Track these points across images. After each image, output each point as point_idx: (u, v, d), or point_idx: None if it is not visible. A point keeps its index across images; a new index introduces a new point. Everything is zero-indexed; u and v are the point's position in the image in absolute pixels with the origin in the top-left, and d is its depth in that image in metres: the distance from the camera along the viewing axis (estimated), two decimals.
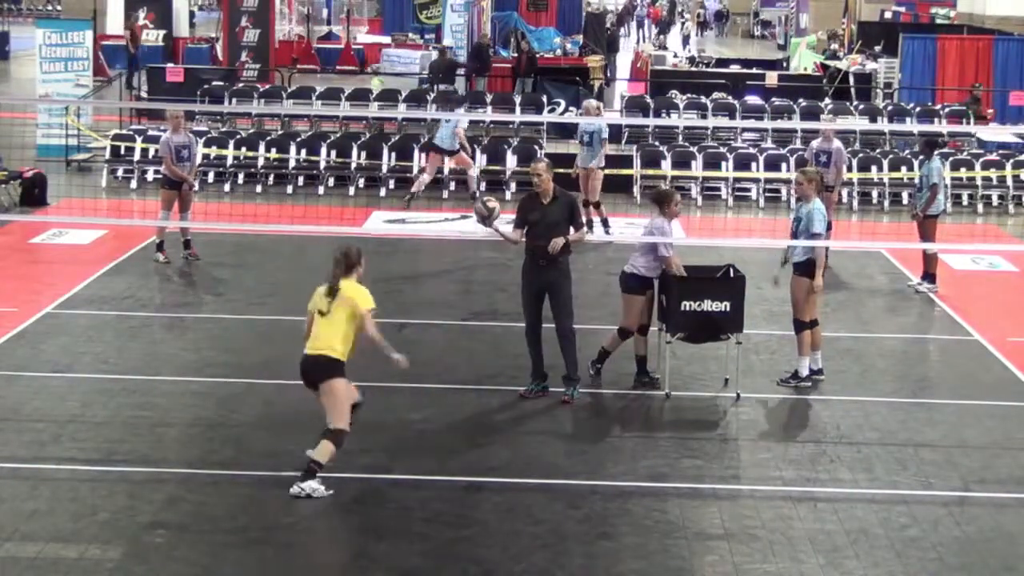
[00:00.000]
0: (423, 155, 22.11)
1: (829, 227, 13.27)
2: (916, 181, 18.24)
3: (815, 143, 18.50)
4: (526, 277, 12.22)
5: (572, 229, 12.08)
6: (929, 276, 16.75)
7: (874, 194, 22.90)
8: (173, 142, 16.92)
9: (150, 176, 22.35)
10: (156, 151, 17.00)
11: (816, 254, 12.65)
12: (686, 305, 12.19)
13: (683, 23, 63.79)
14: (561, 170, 21.94)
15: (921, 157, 17.67)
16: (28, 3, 59.64)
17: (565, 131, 25.41)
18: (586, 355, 13.01)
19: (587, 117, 19.44)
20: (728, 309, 12.25)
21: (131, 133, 23.24)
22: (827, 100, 27.24)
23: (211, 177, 22.56)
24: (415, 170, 22.48)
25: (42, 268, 16.98)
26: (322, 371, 9.91)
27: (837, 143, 18.29)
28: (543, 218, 12.04)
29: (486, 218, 12.21)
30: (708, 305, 12.20)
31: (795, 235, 12.81)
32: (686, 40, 55.35)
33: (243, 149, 22.79)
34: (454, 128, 20.85)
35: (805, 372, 12.73)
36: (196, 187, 17.99)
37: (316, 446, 9.85)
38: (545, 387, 12.23)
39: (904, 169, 22.83)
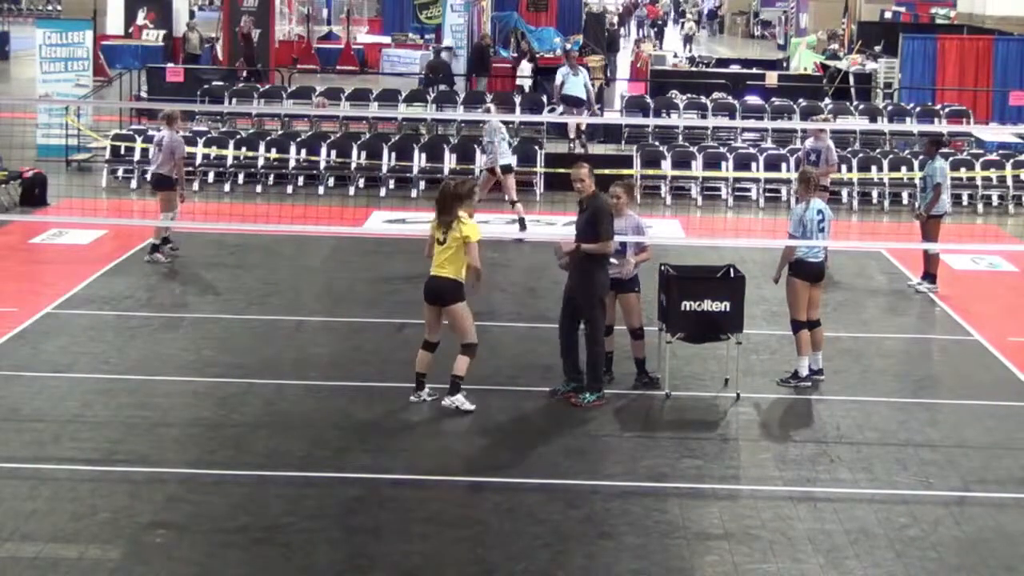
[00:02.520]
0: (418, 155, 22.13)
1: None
2: (917, 181, 18.24)
3: (808, 142, 18.54)
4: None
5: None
6: (929, 276, 16.77)
7: (874, 194, 22.90)
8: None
9: (150, 176, 22.35)
10: (172, 151, 16.92)
11: (783, 252, 12.79)
12: (686, 305, 12.18)
13: (682, 23, 63.61)
14: (562, 170, 22.37)
15: (924, 157, 17.66)
16: (28, 3, 59.63)
17: (565, 131, 25.46)
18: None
19: (488, 118, 19.57)
20: (728, 309, 12.24)
21: (131, 133, 23.26)
22: (827, 100, 27.23)
23: (211, 177, 22.58)
24: (415, 169, 22.49)
25: (42, 268, 16.98)
26: (447, 293, 11.59)
27: (827, 142, 18.30)
28: (576, 223, 12.16)
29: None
30: (708, 305, 12.20)
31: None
32: (687, 40, 55.03)
33: (243, 149, 22.79)
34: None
35: (805, 372, 12.73)
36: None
37: (454, 364, 11.53)
38: (575, 388, 12.17)
39: (904, 169, 22.84)
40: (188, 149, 22.67)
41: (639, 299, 12.53)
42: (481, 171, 19.72)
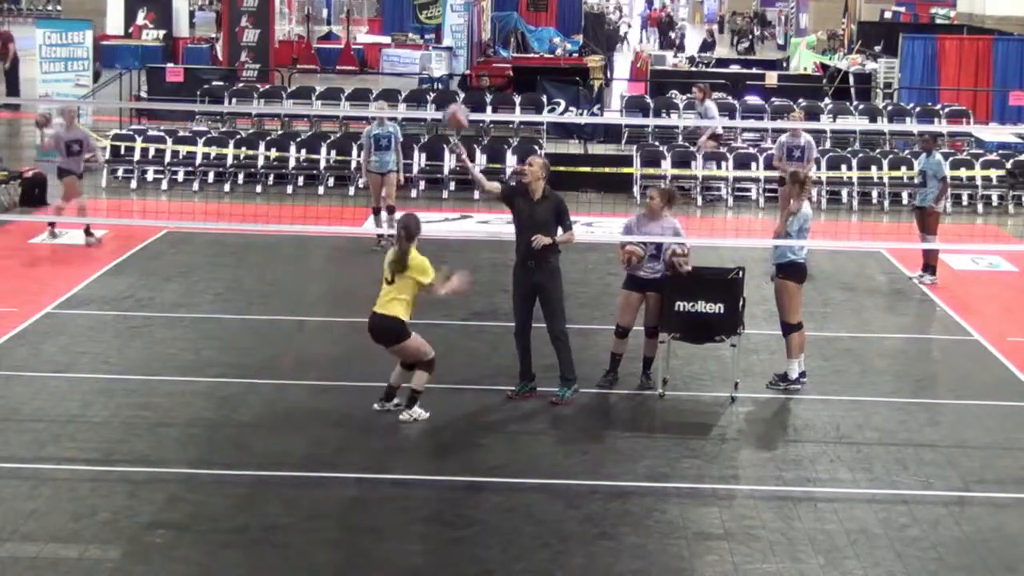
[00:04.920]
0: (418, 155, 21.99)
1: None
2: (916, 177, 18.23)
3: (783, 138, 18.52)
4: (516, 278, 12.19)
5: (561, 230, 12.06)
6: (930, 268, 16.83)
7: (874, 194, 22.90)
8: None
9: (150, 176, 22.43)
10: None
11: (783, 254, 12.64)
12: (680, 305, 12.14)
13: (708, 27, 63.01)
14: (562, 168, 22.38)
15: (922, 154, 17.66)
16: (28, 3, 59.61)
17: (565, 131, 25.51)
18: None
19: (383, 114, 18.89)
20: (722, 311, 12.16)
21: (131, 133, 23.26)
22: (827, 100, 27.24)
23: (211, 177, 22.60)
24: (415, 169, 22.46)
25: (42, 268, 16.99)
26: (388, 334, 11.42)
27: (807, 137, 18.36)
28: (531, 216, 11.97)
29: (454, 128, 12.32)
30: (702, 306, 12.14)
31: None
32: (707, 46, 53.33)
33: (243, 149, 22.81)
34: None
35: (795, 375, 12.64)
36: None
37: (411, 379, 11.44)
38: (532, 388, 12.18)
39: (904, 168, 22.84)
40: (188, 149, 22.81)
41: (658, 298, 12.48)
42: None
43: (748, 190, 22.94)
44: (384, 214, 18.14)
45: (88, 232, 17.93)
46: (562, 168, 22.64)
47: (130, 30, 39.33)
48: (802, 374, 12.72)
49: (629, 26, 57.07)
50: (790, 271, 12.55)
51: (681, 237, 12.40)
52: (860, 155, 23.24)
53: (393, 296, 11.35)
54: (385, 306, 11.38)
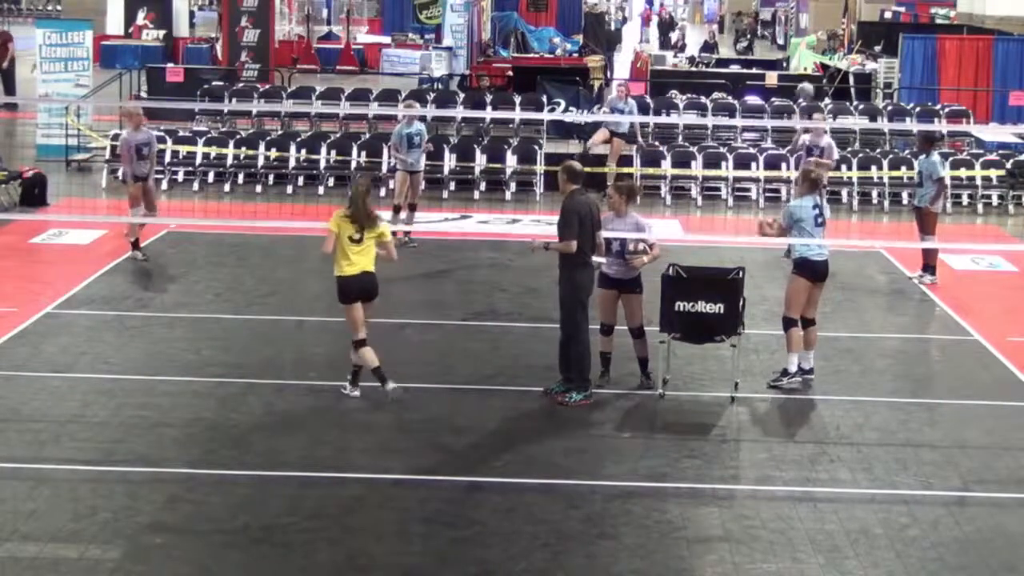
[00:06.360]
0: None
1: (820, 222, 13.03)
2: (915, 177, 18.26)
3: (806, 137, 18.58)
4: None
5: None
6: (929, 268, 16.83)
7: (874, 194, 22.89)
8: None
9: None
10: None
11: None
12: (680, 306, 12.13)
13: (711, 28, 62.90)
14: (555, 168, 22.39)
15: (921, 155, 17.71)
16: (28, 3, 59.58)
17: (565, 131, 25.49)
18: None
19: (412, 111, 19.08)
20: (722, 311, 12.15)
21: None
22: (827, 100, 27.24)
23: (211, 177, 22.59)
24: None
25: (42, 268, 16.98)
26: (374, 289, 12.14)
27: (828, 139, 18.40)
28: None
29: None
30: (702, 307, 12.14)
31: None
32: (708, 47, 52.98)
33: (243, 149, 22.81)
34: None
35: (793, 368, 12.64)
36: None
37: (361, 358, 11.94)
38: (566, 389, 12.18)
39: (904, 168, 22.83)
40: (188, 149, 22.82)
41: (641, 299, 12.50)
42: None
43: (748, 190, 22.93)
44: (404, 213, 18.25)
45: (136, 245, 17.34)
46: (555, 167, 22.64)
47: (130, 30, 39.32)
48: (809, 371, 12.74)
49: (622, 20, 56.73)
50: (797, 265, 12.70)
51: (643, 233, 12.41)
52: (860, 155, 23.24)
53: (367, 252, 12.02)
54: (365, 263, 12.03)
